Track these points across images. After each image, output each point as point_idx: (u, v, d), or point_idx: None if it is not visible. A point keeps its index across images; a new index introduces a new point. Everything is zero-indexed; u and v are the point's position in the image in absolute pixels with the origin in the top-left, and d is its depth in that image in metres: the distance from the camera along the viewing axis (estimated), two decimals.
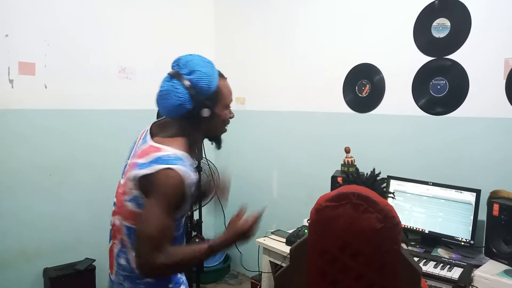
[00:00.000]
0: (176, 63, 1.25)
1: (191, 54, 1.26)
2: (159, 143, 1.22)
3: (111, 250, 1.31)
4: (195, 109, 1.21)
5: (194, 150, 1.31)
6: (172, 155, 1.17)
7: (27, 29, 2.64)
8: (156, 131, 1.29)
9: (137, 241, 1.14)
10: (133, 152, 1.32)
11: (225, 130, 1.37)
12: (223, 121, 1.32)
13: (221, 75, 1.30)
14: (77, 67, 2.85)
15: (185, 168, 1.17)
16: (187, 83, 1.20)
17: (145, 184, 1.16)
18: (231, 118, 1.35)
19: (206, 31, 3.61)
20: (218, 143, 1.39)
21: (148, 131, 1.31)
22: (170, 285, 1.31)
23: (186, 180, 1.16)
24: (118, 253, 1.27)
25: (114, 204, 1.31)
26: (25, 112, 2.67)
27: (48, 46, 2.73)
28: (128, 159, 1.33)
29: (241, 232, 1.25)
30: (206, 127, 1.28)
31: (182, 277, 1.39)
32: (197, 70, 1.21)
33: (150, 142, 1.24)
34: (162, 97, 1.23)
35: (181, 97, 1.19)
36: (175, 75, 1.22)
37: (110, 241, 1.33)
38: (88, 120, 2.93)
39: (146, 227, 1.11)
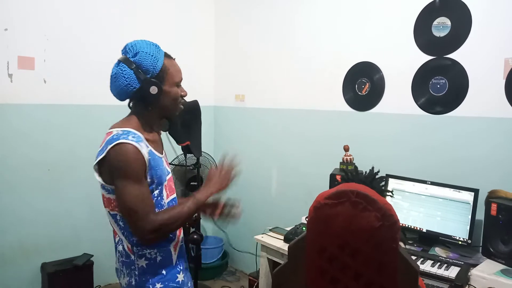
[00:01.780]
0: (124, 49, 1.33)
1: (136, 40, 1.33)
2: (110, 129, 1.31)
3: (114, 240, 1.40)
4: (142, 87, 1.27)
5: (153, 130, 1.37)
6: (121, 132, 1.26)
7: (27, 24, 2.63)
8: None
9: (126, 219, 1.26)
10: None
11: (180, 108, 1.41)
12: (174, 99, 1.36)
13: (167, 56, 1.35)
14: (76, 62, 2.84)
15: (135, 139, 1.24)
16: (132, 64, 1.27)
17: (103, 168, 1.26)
18: (183, 96, 1.39)
19: (206, 28, 3.59)
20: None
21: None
22: (163, 271, 1.34)
23: (140, 148, 1.23)
24: (118, 241, 1.37)
25: None
26: (24, 107, 2.66)
27: (48, 41, 2.72)
28: None
29: (218, 180, 1.39)
30: (158, 105, 1.33)
31: (179, 273, 1.40)
32: (141, 51, 1.28)
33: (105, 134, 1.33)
34: (112, 82, 1.31)
35: (127, 78, 1.26)
36: (122, 60, 1.29)
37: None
38: (87, 115, 2.92)
39: (124, 204, 1.22)
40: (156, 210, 1.30)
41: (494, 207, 1.83)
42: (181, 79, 1.39)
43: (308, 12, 2.83)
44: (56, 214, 2.83)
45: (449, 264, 1.77)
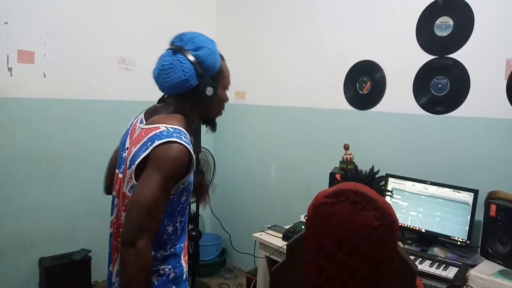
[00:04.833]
0: (179, 39, 1.20)
1: (194, 32, 1.21)
2: (153, 123, 1.16)
3: (116, 249, 1.23)
4: (200, 86, 1.17)
5: (191, 131, 1.26)
6: (171, 129, 1.12)
7: (27, 17, 2.62)
8: (149, 116, 1.25)
9: (129, 210, 1.08)
10: (128, 142, 1.26)
11: (221, 114, 1.32)
12: (221, 103, 1.28)
13: (221, 57, 1.26)
14: (76, 57, 2.83)
15: (187, 141, 1.12)
16: (193, 58, 1.15)
17: (144, 167, 1.10)
18: (226, 101, 1.31)
19: (207, 23, 3.58)
20: (213, 126, 1.35)
21: (142, 118, 1.26)
22: (173, 287, 1.23)
23: (192, 152, 1.12)
24: None
25: (114, 199, 1.26)
26: (23, 100, 2.65)
27: (48, 35, 2.70)
28: (124, 151, 1.26)
29: None
30: (205, 107, 1.24)
31: (187, 286, 1.32)
32: (204, 47, 1.17)
33: (143, 127, 1.18)
34: (164, 71, 1.17)
35: (187, 72, 1.14)
36: (179, 50, 1.17)
37: (110, 240, 1.27)
38: (87, 110, 2.91)
39: (139, 196, 1.07)
40: (179, 218, 1.20)
41: (493, 208, 1.82)
42: (230, 83, 1.30)
43: (310, 9, 2.82)
44: (54, 208, 2.82)
45: (447, 265, 1.77)
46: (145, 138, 1.12)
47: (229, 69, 1.32)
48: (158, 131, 1.12)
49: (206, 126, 1.35)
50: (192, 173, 1.21)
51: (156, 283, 1.19)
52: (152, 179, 1.07)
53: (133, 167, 1.12)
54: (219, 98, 1.25)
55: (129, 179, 1.16)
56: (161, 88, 1.22)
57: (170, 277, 1.23)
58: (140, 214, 1.07)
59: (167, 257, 1.21)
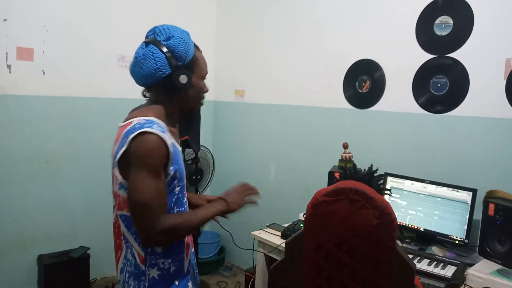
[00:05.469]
0: (153, 32, 1.23)
1: (166, 24, 1.24)
2: (127, 120, 1.21)
3: (119, 247, 1.26)
4: (172, 75, 1.18)
5: (173, 122, 1.28)
6: (143, 121, 1.15)
7: (26, 14, 2.61)
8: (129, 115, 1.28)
9: (133, 214, 1.13)
10: None
11: (201, 104, 1.34)
12: (198, 92, 1.29)
13: (196, 47, 1.27)
14: (76, 55, 2.83)
15: (160, 129, 1.14)
16: (164, 48, 1.17)
17: (124, 164, 1.14)
18: (205, 92, 1.32)
19: (207, 22, 3.58)
20: (195, 117, 1.37)
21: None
22: (176, 281, 1.25)
23: (165, 139, 1.14)
24: (126, 249, 1.24)
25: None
26: (22, 98, 2.65)
27: (47, 32, 2.70)
28: None
29: (233, 200, 1.33)
30: (182, 97, 1.24)
31: (189, 280, 1.32)
32: (175, 36, 1.19)
33: (120, 125, 1.23)
34: (137, 63, 1.20)
35: (158, 61, 1.16)
36: (151, 42, 1.19)
37: (115, 238, 1.29)
38: (86, 108, 2.91)
39: (138, 197, 1.10)
40: (176, 208, 1.22)
41: (491, 207, 1.83)
42: (207, 73, 1.31)
43: (310, 9, 2.82)
44: (53, 206, 2.82)
45: (445, 263, 1.77)
46: (121, 136, 1.16)
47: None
48: (130, 126, 1.15)
49: (188, 118, 1.37)
50: (180, 162, 1.23)
51: (157, 277, 1.21)
52: (138, 177, 1.11)
53: (116, 165, 1.17)
54: (195, 87, 1.26)
55: (115, 178, 1.19)
56: (137, 80, 1.24)
57: (171, 271, 1.24)
58: (144, 214, 1.11)
59: (167, 251, 1.23)
